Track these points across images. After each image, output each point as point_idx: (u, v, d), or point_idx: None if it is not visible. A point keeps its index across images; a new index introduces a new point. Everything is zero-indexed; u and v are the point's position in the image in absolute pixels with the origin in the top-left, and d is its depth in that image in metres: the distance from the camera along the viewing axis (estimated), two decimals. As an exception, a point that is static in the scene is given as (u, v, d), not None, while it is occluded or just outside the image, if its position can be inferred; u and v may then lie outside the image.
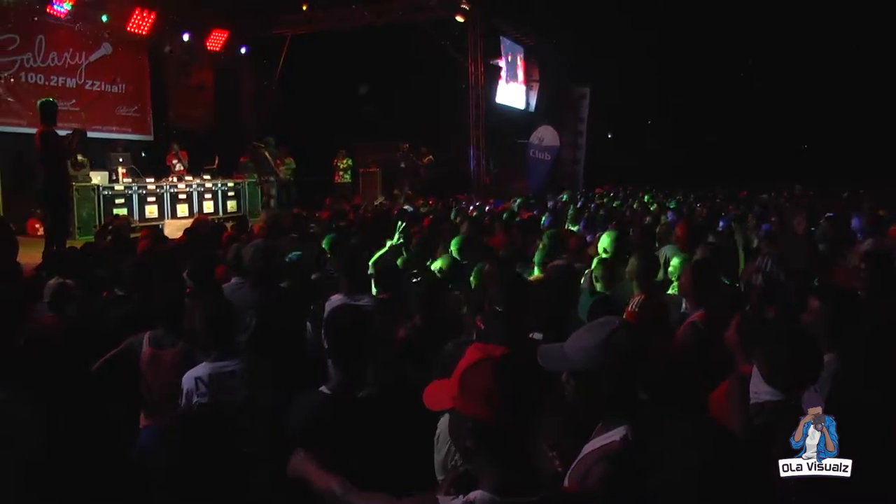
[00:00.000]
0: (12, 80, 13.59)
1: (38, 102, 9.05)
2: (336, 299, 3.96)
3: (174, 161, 14.91)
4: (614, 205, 11.90)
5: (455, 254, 5.94)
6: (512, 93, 20.46)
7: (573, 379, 1.99)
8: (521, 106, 21.25)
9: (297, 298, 4.06)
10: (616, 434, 1.96)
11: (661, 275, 5.00)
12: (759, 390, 2.31)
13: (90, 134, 14.84)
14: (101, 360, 3.82)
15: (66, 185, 8.44)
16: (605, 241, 5.65)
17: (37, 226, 12.07)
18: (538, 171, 19.62)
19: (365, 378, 3.02)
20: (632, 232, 7.01)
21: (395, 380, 3.24)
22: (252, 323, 3.83)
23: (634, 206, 11.87)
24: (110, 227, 7.99)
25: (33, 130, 13.57)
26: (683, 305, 4.01)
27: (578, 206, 10.83)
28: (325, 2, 17.85)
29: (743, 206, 11.45)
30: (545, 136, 19.77)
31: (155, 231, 8.10)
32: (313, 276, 5.39)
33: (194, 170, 15.36)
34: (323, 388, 2.99)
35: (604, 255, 5.46)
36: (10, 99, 13.47)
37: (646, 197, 13.82)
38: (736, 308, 3.34)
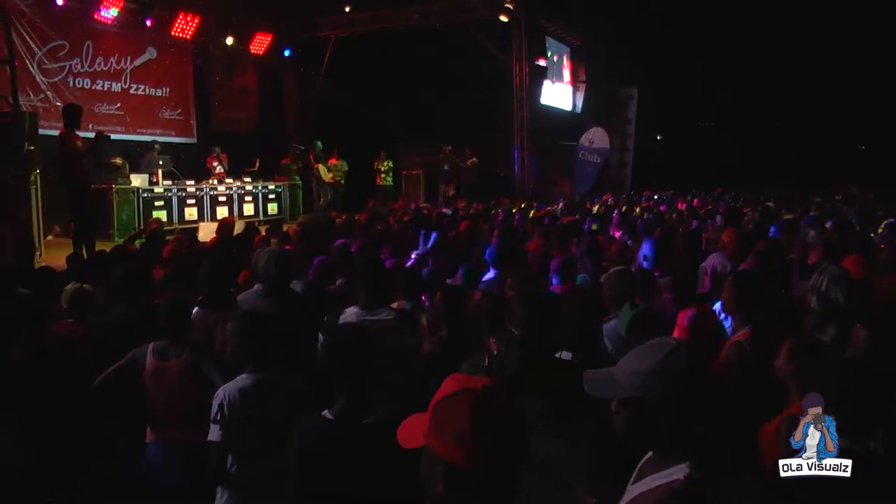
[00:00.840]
0: (61, 84, 13.79)
1: (63, 106, 9.08)
2: (351, 312, 3.71)
3: (215, 163, 14.93)
4: (660, 208, 11.41)
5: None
6: (557, 93, 20.04)
7: (624, 409, 1.69)
8: (567, 107, 20.81)
9: (311, 309, 3.83)
10: (677, 472, 1.65)
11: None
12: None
13: (134, 137, 15.20)
14: (103, 373, 3.65)
15: (83, 187, 8.39)
16: (645, 249, 5.30)
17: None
18: (586, 174, 19.16)
19: (371, 402, 2.78)
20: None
21: (406, 404, 2.98)
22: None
23: (681, 210, 11.33)
24: (142, 230, 7.93)
25: (80, 134, 14.05)
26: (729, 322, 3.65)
27: (623, 210, 10.41)
28: (369, 3, 17.73)
29: (799, 211, 10.83)
30: (595, 137, 19.30)
31: (187, 234, 7.99)
32: (338, 282, 5.18)
33: (235, 172, 15.36)
34: (326, 413, 2.75)
35: (644, 264, 5.12)
36: (58, 103, 13.59)
37: (694, 200, 13.28)
38: (790, 327, 2.98)
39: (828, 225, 7.53)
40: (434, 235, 6.09)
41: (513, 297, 3.35)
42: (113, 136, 14.68)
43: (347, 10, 18.08)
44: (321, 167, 15.53)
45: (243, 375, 3.09)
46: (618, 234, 7.67)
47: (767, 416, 2.61)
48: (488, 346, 2.34)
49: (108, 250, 6.72)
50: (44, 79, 13.42)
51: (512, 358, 2.19)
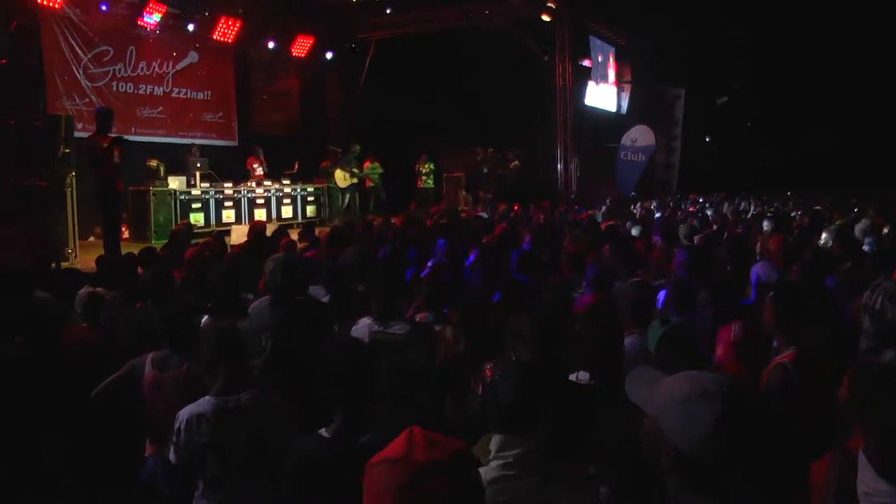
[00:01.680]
0: (105, 89, 13.97)
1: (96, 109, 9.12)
2: (363, 324, 3.48)
3: (255, 164, 14.95)
4: (706, 212, 10.91)
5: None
6: (602, 94, 19.57)
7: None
8: (612, 108, 20.31)
9: (320, 319, 3.61)
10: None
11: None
12: (870, 486, 1.63)
13: (175, 140, 15.33)
14: (102, 384, 3.50)
15: (107, 190, 8.37)
16: (680, 257, 4.93)
17: (122, 228, 12.32)
18: (629, 175, 18.63)
19: (370, 420, 2.55)
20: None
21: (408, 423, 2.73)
22: (268, 346, 3.40)
23: (727, 214, 10.79)
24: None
25: (123, 137, 14.23)
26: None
27: (665, 214, 9.97)
28: (410, 5, 17.59)
29: (853, 215, 10.21)
30: (639, 136, 18.74)
31: (217, 237, 7.89)
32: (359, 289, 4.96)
33: (275, 175, 15.35)
34: (322, 431, 2.53)
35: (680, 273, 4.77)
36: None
37: (741, 204, 12.66)
38: (841, 350, 2.63)
39: (885, 231, 7.02)
40: (440, 244, 5.79)
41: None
42: (154, 140, 15.00)
43: (388, 11, 17.98)
44: (338, 172, 15.19)
45: (206, 398, 2.87)
46: (659, 240, 7.29)
47: (814, 450, 2.28)
48: (483, 372, 2.08)
49: (135, 253, 6.63)
50: (88, 83, 13.61)
51: (507, 387, 1.92)
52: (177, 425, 2.80)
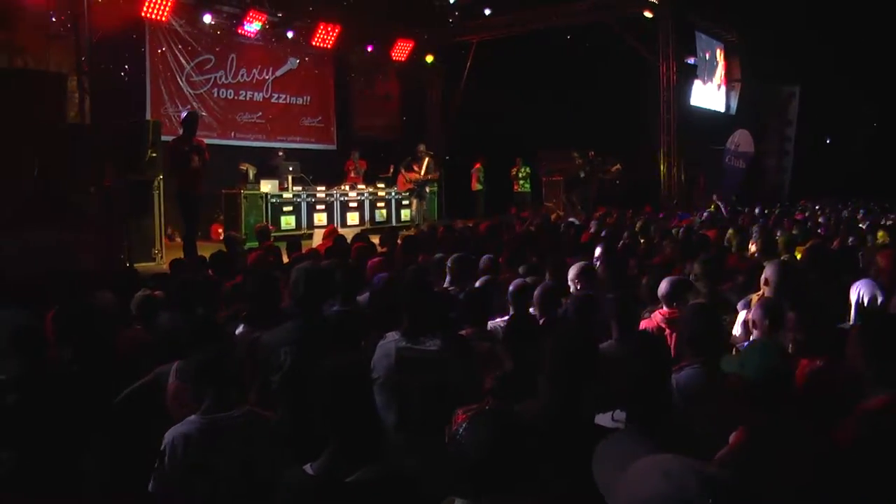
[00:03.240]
0: (206, 95, 14.47)
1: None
2: (390, 338, 3.19)
3: (351, 167, 15.06)
4: (817, 219, 9.92)
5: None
6: (709, 94, 18.48)
7: None
8: (720, 108, 19.13)
9: (343, 334, 3.35)
10: None
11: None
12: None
13: (274, 144, 15.66)
14: (127, 390, 3.39)
15: (185, 193, 8.50)
16: (768, 272, 4.33)
17: (219, 230, 12.67)
18: (732, 180, 17.51)
19: (365, 454, 2.25)
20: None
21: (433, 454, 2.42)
22: (286, 362, 3.17)
23: (837, 222, 9.73)
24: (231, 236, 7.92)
25: (223, 142, 14.71)
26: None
27: (770, 221, 9.14)
28: (509, 6, 17.28)
29: None
30: (741, 140, 17.60)
31: (293, 242, 7.84)
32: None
33: (371, 178, 15.42)
34: (307, 467, 2.26)
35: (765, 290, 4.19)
36: (203, 113, 14.32)
37: (858, 212, 11.42)
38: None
39: None
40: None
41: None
42: (252, 144, 15.41)
43: (487, 12, 17.74)
44: (399, 176, 14.82)
45: (191, 418, 2.67)
46: (754, 251, 6.60)
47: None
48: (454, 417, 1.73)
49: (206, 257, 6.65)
50: (191, 91, 14.13)
51: (475, 442, 1.56)
52: (161, 447, 2.61)
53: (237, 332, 3.83)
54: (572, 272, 4.91)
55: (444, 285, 5.30)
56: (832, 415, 2.49)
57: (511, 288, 4.29)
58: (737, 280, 5.19)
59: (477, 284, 4.85)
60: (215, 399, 2.66)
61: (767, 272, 4.22)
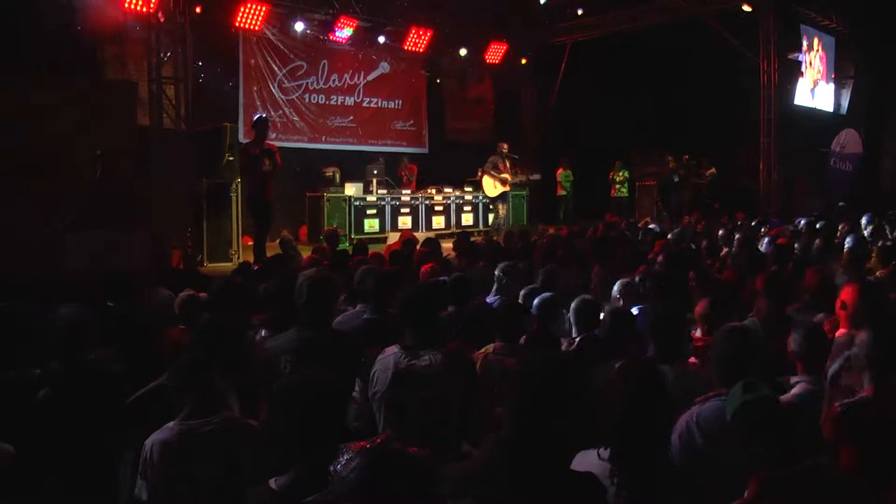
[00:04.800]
0: (297, 101, 14.93)
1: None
2: (390, 352, 3.16)
3: (404, 174, 15.09)
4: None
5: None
6: (816, 92, 17.31)
7: None
8: (829, 108, 17.87)
9: (347, 344, 3.34)
10: None
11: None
12: None
13: (365, 148, 15.97)
14: (139, 392, 3.50)
15: (255, 196, 8.74)
16: (846, 293, 3.95)
17: (307, 233, 13.08)
18: (837, 184, 16.30)
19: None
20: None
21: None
22: (286, 370, 3.20)
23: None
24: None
25: (314, 146, 15.15)
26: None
27: (869, 233, 8.43)
28: (602, 5, 16.89)
29: None
30: (847, 141, 16.34)
31: (361, 245, 7.94)
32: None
33: (457, 182, 15.41)
34: (272, 482, 2.26)
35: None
36: (295, 118, 14.84)
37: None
38: None
39: None
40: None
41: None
42: (345, 147, 15.75)
43: (580, 13, 17.40)
44: (486, 179, 14.37)
45: (170, 424, 2.72)
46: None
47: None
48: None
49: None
50: (282, 96, 14.63)
51: (348, 477, 1.48)
52: (143, 455, 2.67)
53: (259, 336, 3.91)
54: (616, 287, 4.72)
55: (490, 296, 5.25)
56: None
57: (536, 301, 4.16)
58: (803, 298, 4.80)
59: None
60: (195, 405, 2.70)
61: (848, 294, 3.82)
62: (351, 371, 3.17)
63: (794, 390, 3.29)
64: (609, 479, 2.19)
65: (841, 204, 15.18)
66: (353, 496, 1.50)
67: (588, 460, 2.30)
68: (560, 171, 17.31)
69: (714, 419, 2.75)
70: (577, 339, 4.03)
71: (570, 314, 4.11)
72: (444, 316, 4.32)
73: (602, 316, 4.13)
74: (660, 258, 5.83)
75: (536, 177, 16.83)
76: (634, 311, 4.15)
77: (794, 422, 2.52)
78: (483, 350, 3.71)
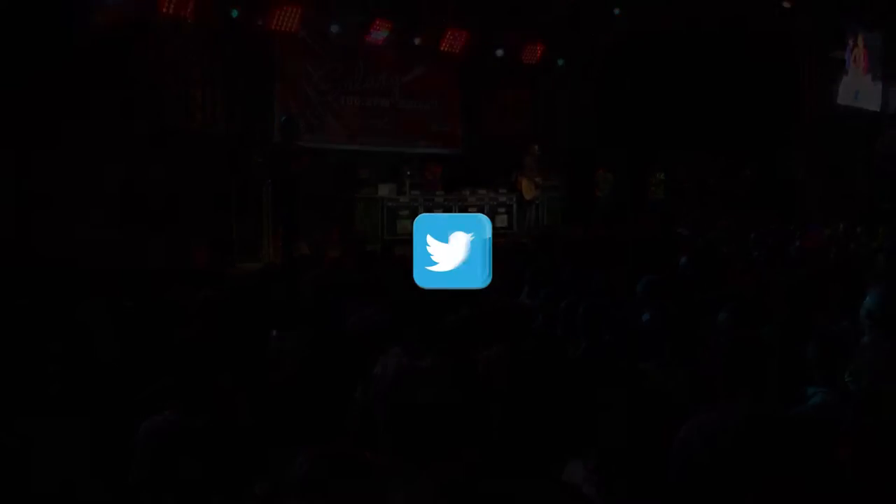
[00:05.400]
0: (333, 102, 15.04)
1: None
2: (393, 353, 3.17)
3: (430, 175, 15.07)
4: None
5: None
6: (861, 91, 16.82)
7: None
8: (875, 107, 17.34)
9: (353, 348, 3.35)
10: None
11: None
12: None
13: (399, 149, 16.00)
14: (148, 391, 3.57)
15: (282, 197, 8.83)
16: (868, 302, 3.77)
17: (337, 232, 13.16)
18: (881, 187, 15.76)
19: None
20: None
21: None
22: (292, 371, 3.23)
23: None
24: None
25: (348, 147, 15.24)
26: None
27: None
28: (638, 4, 16.67)
29: None
30: (893, 141, 15.79)
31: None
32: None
33: (488, 184, 15.35)
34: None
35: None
36: (330, 119, 14.97)
37: None
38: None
39: None
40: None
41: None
42: (379, 149, 15.80)
43: (617, 13, 17.19)
44: (524, 182, 14.11)
45: (167, 413, 2.77)
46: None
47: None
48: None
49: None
50: (317, 98, 14.76)
51: (301, 478, 1.48)
52: (136, 445, 2.72)
53: (272, 336, 3.96)
54: (641, 285, 4.66)
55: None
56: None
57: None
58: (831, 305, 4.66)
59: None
60: (192, 399, 2.74)
61: (868, 302, 3.67)
62: (356, 372, 3.19)
63: (812, 401, 3.22)
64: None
65: (885, 206, 14.73)
66: (296, 491, 1.52)
67: (573, 472, 2.28)
68: (599, 172, 17.13)
69: (716, 428, 2.70)
70: (584, 346, 3.99)
71: (580, 318, 4.07)
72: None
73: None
74: (683, 260, 5.71)
75: (556, 182, 16.64)
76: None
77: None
78: (487, 352, 3.69)
